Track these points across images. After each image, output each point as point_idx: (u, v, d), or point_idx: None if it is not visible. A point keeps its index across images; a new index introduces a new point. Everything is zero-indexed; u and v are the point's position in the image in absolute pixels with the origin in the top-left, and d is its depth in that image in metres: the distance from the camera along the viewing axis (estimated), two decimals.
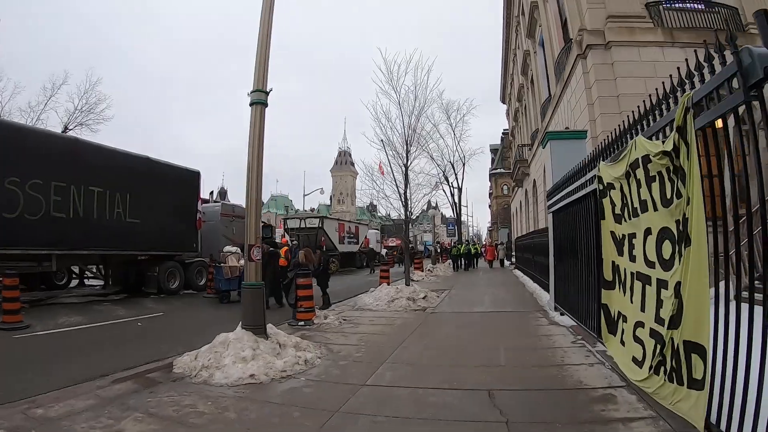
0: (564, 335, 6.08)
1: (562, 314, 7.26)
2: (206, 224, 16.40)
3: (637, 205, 3.51)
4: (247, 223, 5.46)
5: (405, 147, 11.35)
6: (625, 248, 3.88)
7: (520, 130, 27.53)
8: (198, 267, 13.79)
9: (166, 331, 7.63)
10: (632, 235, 3.68)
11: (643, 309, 3.45)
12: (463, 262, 24.10)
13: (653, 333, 3.23)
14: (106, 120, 22.65)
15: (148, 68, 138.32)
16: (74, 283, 14.12)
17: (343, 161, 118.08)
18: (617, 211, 4.03)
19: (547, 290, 9.74)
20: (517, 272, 18.13)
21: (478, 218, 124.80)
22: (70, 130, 21.56)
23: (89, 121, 22.47)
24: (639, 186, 3.40)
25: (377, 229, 37.07)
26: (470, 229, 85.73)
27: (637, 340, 3.59)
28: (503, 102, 40.43)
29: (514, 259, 23.80)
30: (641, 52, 9.71)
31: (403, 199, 11.43)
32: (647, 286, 3.37)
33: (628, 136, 3.74)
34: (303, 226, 23.67)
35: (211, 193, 17.93)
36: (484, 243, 40.19)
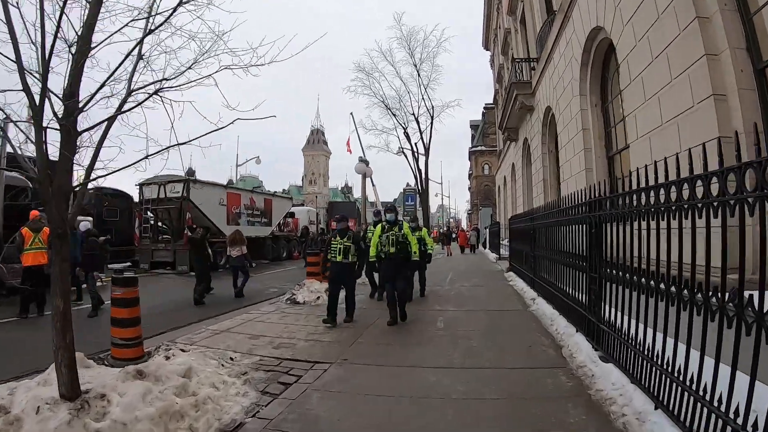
0: None
1: None
2: None
3: None
4: None
5: None
6: None
7: (513, 59, 18.61)
8: None
9: None
10: None
11: None
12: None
13: None
14: None
15: None
16: None
17: (316, 140, 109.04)
18: None
19: None
20: (516, 282, 9.32)
21: (456, 200, 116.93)
22: None
23: None
24: None
25: (319, 208, 27.99)
26: (449, 211, 76.79)
27: None
28: (486, 48, 32.01)
29: (504, 252, 14.95)
30: None
31: None
32: None
33: None
34: (164, 195, 14.41)
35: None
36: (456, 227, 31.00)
